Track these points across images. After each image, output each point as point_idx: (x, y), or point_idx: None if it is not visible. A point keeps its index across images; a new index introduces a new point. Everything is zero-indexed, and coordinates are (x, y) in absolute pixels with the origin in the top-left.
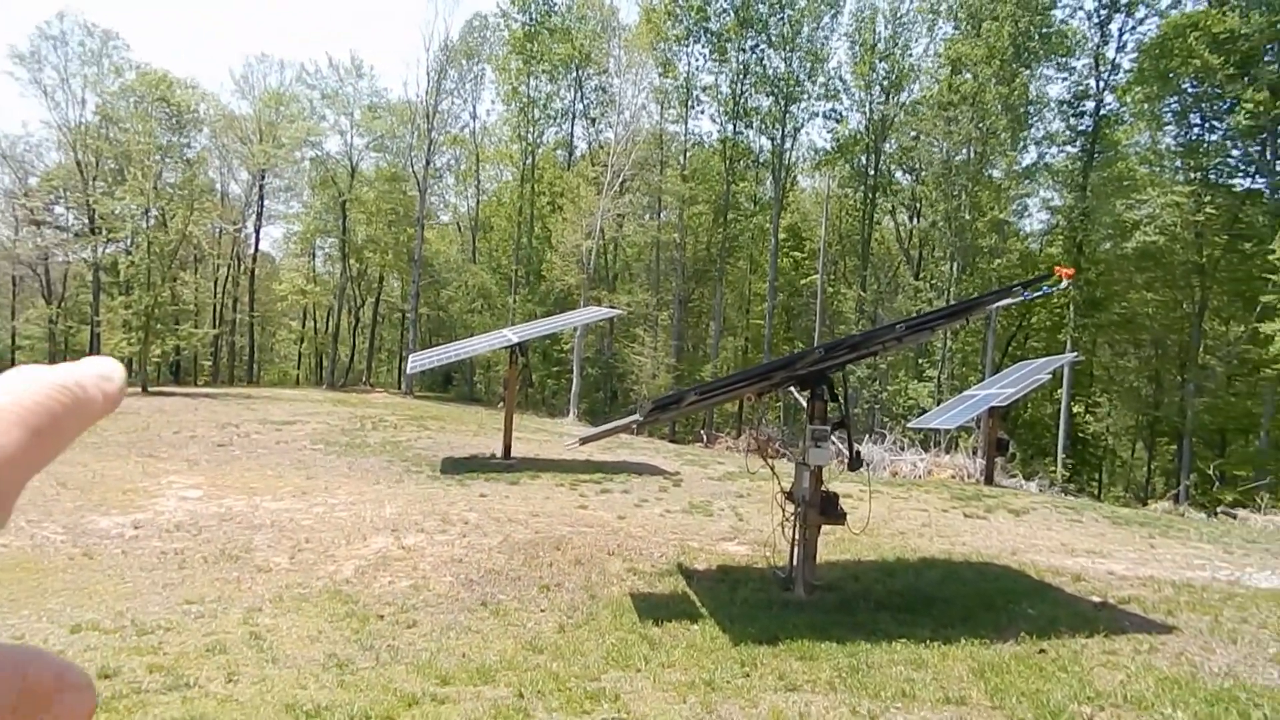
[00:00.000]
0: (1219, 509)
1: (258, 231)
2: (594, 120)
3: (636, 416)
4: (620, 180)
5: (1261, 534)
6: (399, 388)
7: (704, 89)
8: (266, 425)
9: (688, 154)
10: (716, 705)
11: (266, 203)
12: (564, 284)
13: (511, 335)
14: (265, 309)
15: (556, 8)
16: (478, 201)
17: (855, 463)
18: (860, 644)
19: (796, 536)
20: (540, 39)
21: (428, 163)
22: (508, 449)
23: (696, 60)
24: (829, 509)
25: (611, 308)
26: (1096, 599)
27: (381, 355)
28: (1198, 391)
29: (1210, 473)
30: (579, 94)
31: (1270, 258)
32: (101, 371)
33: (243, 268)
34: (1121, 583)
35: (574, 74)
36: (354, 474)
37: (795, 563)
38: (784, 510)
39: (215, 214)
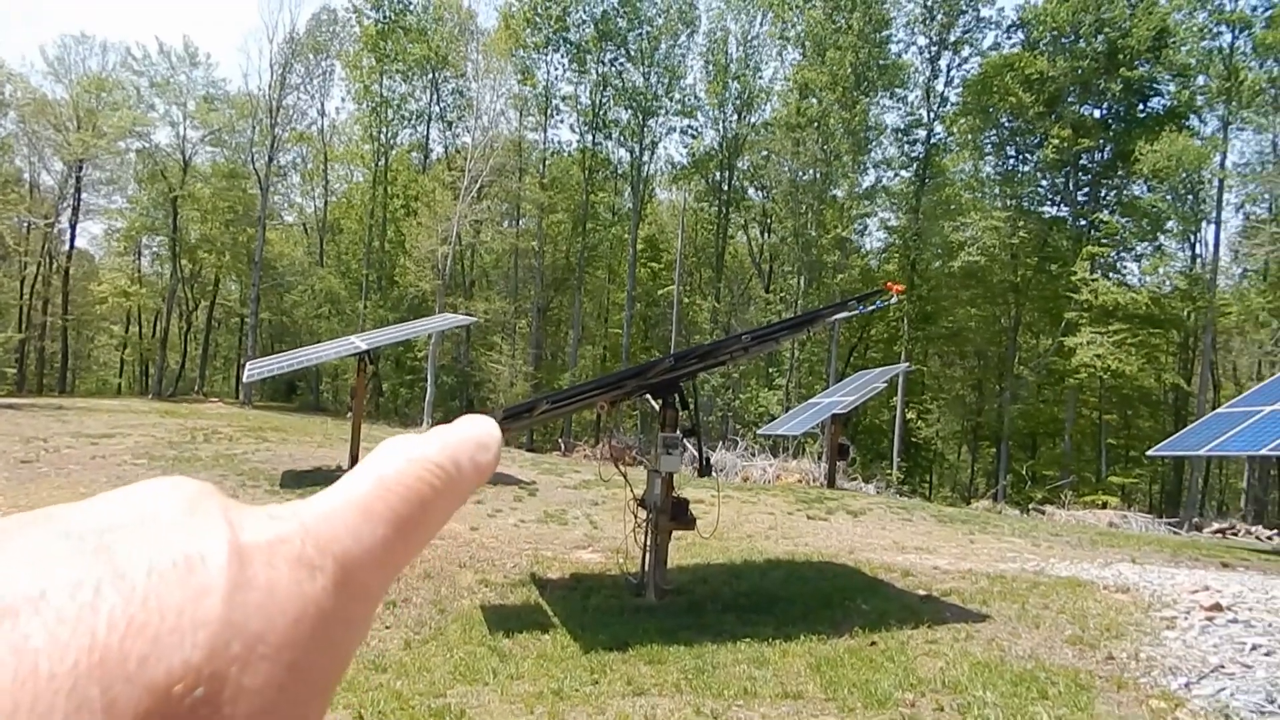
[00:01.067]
0: (1030, 506)
1: (73, 227)
2: (451, 124)
3: None
4: (478, 186)
5: (1063, 528)
6: (236, 397)
7: (564, 98)
8: (81, 439)
9: (547, 162)
10: (564, 714)
11: (84, 196)
12: (418, 290)
13: (360, 342)
14: (82, 312)
15: (412, 6)
16: (325, 202)
17: (705, 469)
18: (707, 645)
19: (648, 543)
20: (394, 38)
21: (270, 160)
22: (355, 460)
23: (556, 69)
24: (680, 514)
25: (467, 315)
26: (922, 593)
27: (217, 363)
28: (1013, 399)
29: (1023, 473)
30: (435, 96)
31: (1072, 278)
32: (479, 439)
33: (55, 266)
34: (945, 576)
35: (430, 75)
36: None
37: (647, 568)
38: (636, 517)
39: (22, 206)
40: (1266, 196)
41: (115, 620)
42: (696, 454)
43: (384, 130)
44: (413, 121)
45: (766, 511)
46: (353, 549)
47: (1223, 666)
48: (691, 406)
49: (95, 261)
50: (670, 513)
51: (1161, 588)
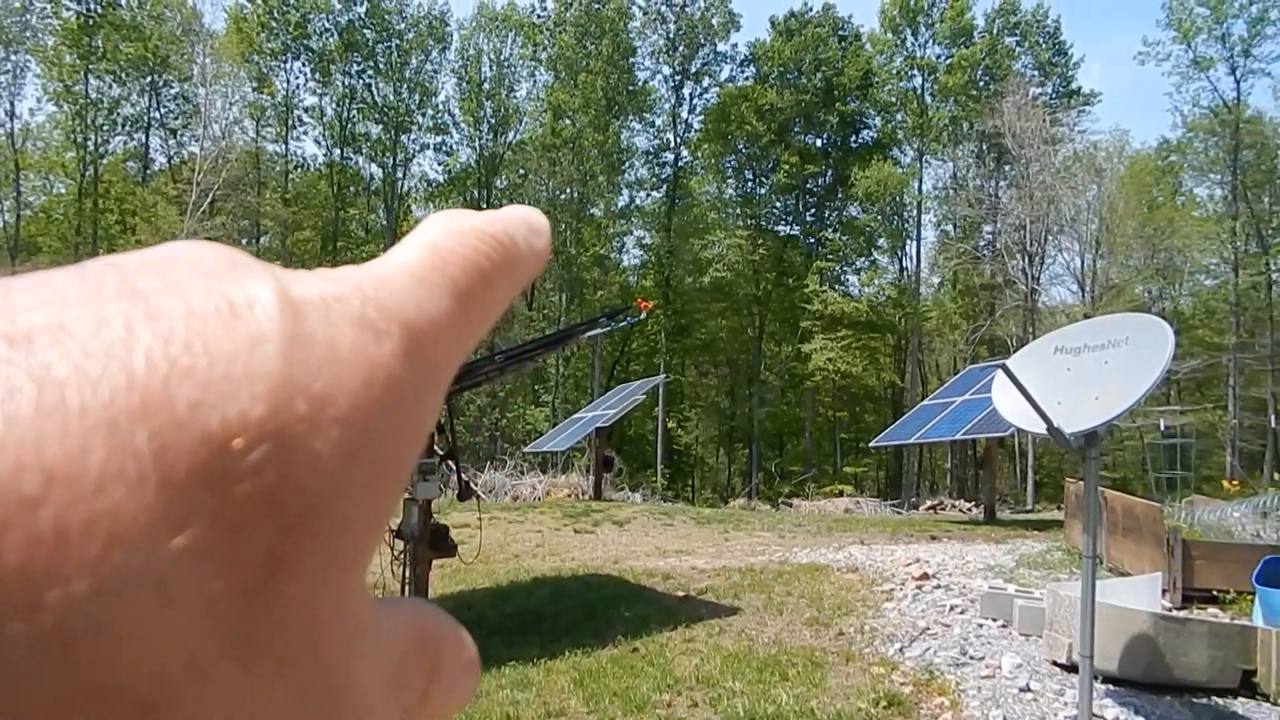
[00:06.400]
0: (780, 500)
1: None
2: (175, 132)
3: None
4: (209, 200)
5: (806, 517)
6: None
7: (307, 109)
8: None
9: (290, 176)
10: None
11: None
12: None
13: None
14: None
15: (124, 1)
16: (18, 217)
17: (465, 493)
18: None
19: (407, 574)
20: (104, 34)
21: None
22: None
23: (297, 78)
24: (439, 542)
25: None
26: (681, 593)
27: None
28: (761, 403)
29: (773, 470)
30: (155, 101)
31: (805, 290)
32: (530, 220)
33: None
34: (701, 575)
35: (149, 78)
36: None
37: None
38: (393, 549)
39: None
40: (952, 217)
41: (154, 360)
42: (457, 479)
43: (92, 136)
44: (128, 128)
45: (534, 529)
46: (417, 317)
47: (928, 629)
48: (448, 429)
49: None
50: (429, 541)
51: (883, 564)
